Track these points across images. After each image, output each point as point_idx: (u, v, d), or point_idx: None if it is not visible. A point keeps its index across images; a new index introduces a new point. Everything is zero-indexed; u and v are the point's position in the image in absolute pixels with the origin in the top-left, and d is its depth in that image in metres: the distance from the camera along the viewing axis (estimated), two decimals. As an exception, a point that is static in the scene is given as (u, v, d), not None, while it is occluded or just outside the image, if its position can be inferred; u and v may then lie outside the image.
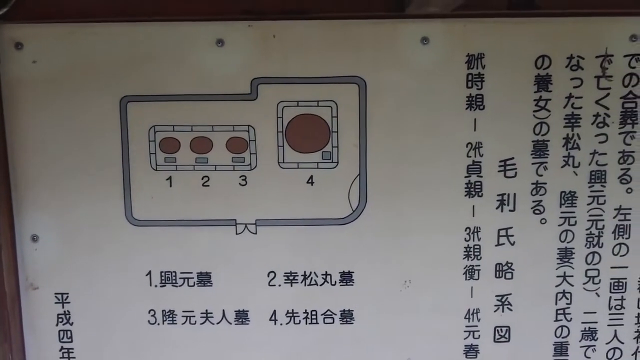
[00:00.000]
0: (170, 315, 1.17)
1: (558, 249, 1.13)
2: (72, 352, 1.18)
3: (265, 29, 1.08)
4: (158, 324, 1.17)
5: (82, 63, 1.09)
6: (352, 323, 1.16)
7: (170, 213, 1.13)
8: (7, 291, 1.14)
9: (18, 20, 1.07)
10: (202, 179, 1.12)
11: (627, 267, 1.14)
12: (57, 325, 1.17)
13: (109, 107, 1.10)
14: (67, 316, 1.17)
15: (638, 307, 1.15)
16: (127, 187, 1.13)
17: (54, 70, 1.10)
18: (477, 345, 1.16)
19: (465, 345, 1.17)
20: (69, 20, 1.08)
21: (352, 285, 1.15)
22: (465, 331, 1.16)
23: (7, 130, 1.11)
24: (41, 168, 1.12)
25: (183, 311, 1.17)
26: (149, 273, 1.15)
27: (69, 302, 1.16)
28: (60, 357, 1.18)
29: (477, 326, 1.16)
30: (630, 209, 1.12)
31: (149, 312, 1.17)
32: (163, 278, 1.15)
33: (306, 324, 1.16)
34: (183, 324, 1.17)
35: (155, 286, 1.16)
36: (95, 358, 1.18)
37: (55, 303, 1.16)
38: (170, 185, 1.13)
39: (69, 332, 1.17)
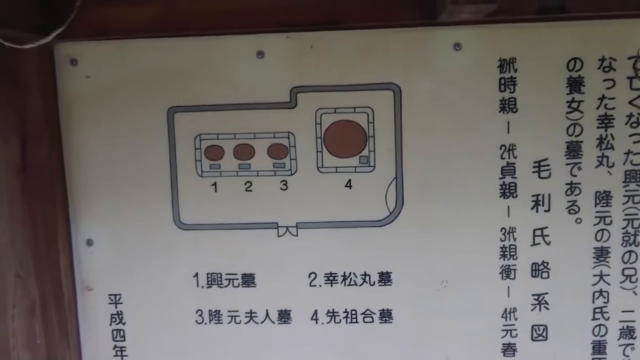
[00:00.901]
0: (217, 315, 1.22)
1: (594, 248, 1.14)
2: (125, 350, 1.24)
3: (302, 40, 1.13)
4: (205, 324, 1.22)
5: (132, 77, 1.16)
6: (390, 322, 1.20)
7: (215, 217, 1.19)
8: (64, 293, 1.21)
9: (73, 39, 1.14)
10: (245, 184, 1.17)
11: (664, 265, 1.14)
12: (110, 324, 1.24)
13: (157, 117, 1.17)
14: (120, 316, 1.23)
15: (676, 306, 1.16)
16: (175, 193, 1.19)
17: (105, 85, 1.17)
18: (515, 344, 1.18)
19: (503, 344, 1.18)
20: (119, 37, 1.15)
21: (390, 285, 1.18)
22: (502, 330, 1.18)
23: (63, 142, 1.18)
24: (95, 177, 1.19)
25: (228, 311, 1.22)
26: (196, 275, 1.21)
27: (121, 303, 1.23)
28: (114, 355, 1.25)
29: (514, 325, 1.18)
30: (666, 208, 1.13)
31: (197, 312, 1.22)
32: (209, 279, 1.21)
33: (346, 323, 1.20)
34: (228, 323, 1.22)
35: (202, 287, 1.21)
36: (145, 356, 1.24)
37: (109, 304, 1.23)
38: (215, 191, 1.18)
39: (121, 332, 1.24)
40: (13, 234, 1.19)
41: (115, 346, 1.24)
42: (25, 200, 1.18)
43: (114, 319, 1.24)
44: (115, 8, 1.12)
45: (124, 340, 1.24)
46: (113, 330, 1.24)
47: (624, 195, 1.13)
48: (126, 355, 1.25)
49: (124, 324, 1.24)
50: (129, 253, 1.21)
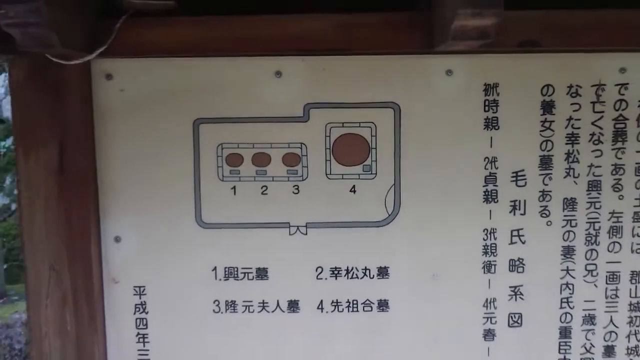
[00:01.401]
0: (232, 305, 1.36)
1: (562, 246, 1.34)
2: (147, 337, 1.37)
3: (316, 63, 1.29)
4: (221, 313, 1.36)
5: (162, 91, 1.31)
6: (387, 311, 1.36)
7: (234, 217, 1.34)
8: (94, 284, 1.34)
9: (108, 56, 1.27)
10: (261, 188, 1.33)
11: (620, 262, 1.34)
12: (134, 314, 1.37)
13: (184, 128, 1.31)
14: (143, 306, 1.36)
15: (630, 297, 1.35)
16: (198, 195, 1.33)
17: (138, 97, 1.31)
18: (494, 330, 1.36)
19: (484, 330, 1.36)
20: (150, 56, 1.29)
21: (387, 278, 1.35)
22: (484, 317, 1.36)
23: (97, 148, 1.31)
24: (125, 180, 1.33)
25: (243, 301, 1.36)
26: (214, 269, 1.35)
27: (145, 294, 1.36)
28: (137, 342, 1.37)
29: (494, 313, 1.36)
30: (622, 212, 1.33)
31: (214, 303, 1.36)
32: (226, 273, 1.35)
33: (348, 312, 1.36)
34: (243, 312, 1.36)
35: (220, 280, 1.35)
36: (167, 342, 1.37)
37: (134, 295, 1.36)
38: (235, 194, 1.33)
39: (144, 320, 1.37)
40: (49, 230, 1.31)
41: (138, 333, 1.37)
42: (60, 199, 1.30)
43: (137, 309, 1.37)
44: (148, 30, 1.26)
45: (146, 328, 1.37)
46: (137, 319, 1.37)
47: (587, 202, 1.32)
48: (148, 342, 1.37)
49: (146, 313, 1.37)
50: (153, 249, 1.35)
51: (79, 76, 1.28)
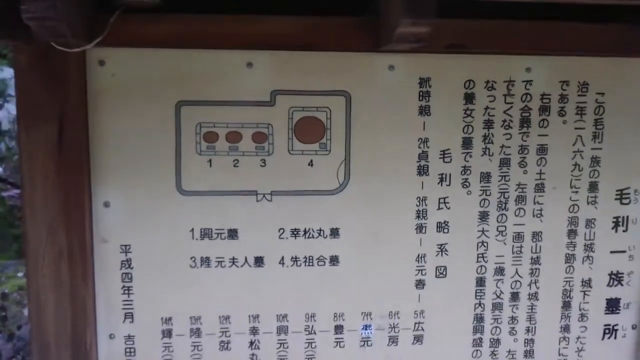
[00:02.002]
0: (207, 261, 1.60)
1: (478, 212, 1.65)
2: (132, 289, 1.59)
3: (282, 57, 1.54)
4: (197, 268, 1.59)
5: (148, 76, 1.52)
6: (337, 265, 1.63)
7: (209, 186, 1.57)
8: (86, 243, 1.54)
9: (102, 45, 1.46)
10: (233, 161, 1.56)
11: (524, 224, 1.66)
12: (120, 269, 1.58)
13: (167, 108, 1.53)
14: (129, 262, 1.58)
15: (531, 252, 1.68)
16: (178, 167, 1.55)
17: (127, 82, 1.51)
18: (424, 280, 1.66)
19: (416, 280, 1.66)
20: (139, 46, 1.50)
21: (338, 238, 1.62)
22: (416, 270, 1.65)
23: (90, 125, 1.51)
24: (114, 153, 1.53)
25: (216, 258, 1.60)
26: (192, 230, 1.58)
27: (130, 252, 1.57)
28: (122, 293, 1.59)
29: (424, 266, 1.65)
30: (526, 184, 1.65)
31: (191, 259, 1.59)
32: (202, 234, 1.58)
33: (305, 266, 1.62)
34: (216, 267, 1.60)
35: (196, 239, 1.58)
36: (148, 294, 1.59)
37: (120, 252, 1.57)
38: (210, 166, 1.56)
39: (129, 274, 1.58)
40: (47, 196, 1.50)
41: (124, 286, 1.58)
42: (58, 169, 1.49)
43: (123, 265, 1.58)
44: (138, 25, 1.47)
45: (131, 282, 1.58)
46: (122, 273, 1.58)
47: (499, 175, 1.64)
48: (132, 293, 1.59)
49: (131, 268, 1.58)
50: (138, 213, 1.56)
51: (75, 62, 1.47)
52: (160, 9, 1.47)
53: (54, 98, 1.48)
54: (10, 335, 3.39)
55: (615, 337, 1.75)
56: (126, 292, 1.59)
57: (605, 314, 1.73)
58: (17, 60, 1.46)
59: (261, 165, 1.58)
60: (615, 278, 1.71)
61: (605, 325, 1.74)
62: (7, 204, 4.25)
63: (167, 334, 1.61)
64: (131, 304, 1.59)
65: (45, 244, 1.52)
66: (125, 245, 1.57)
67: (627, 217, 1.69)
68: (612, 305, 1.73)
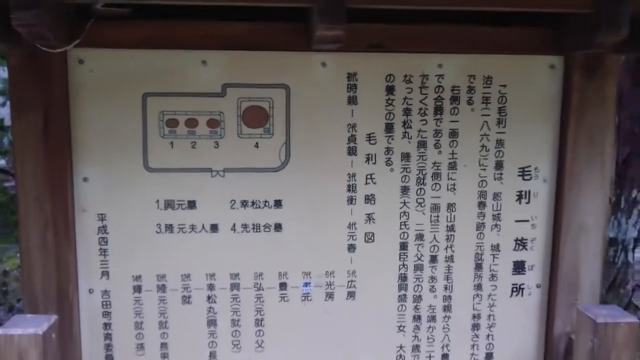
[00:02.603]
0: (170, 228, 1.89)
1: (400, 186, 1.94)
2: (107, 252, 1.89)
3: (232, 56, 1.84)
4: (162, 233, 1.89)
5: (120, 72, 1.82)
6: (281, 232, 1.93)
7: (171, 164, 1.87)
8: (68, 212, 1.84)
9: (81, 46, 1.76)
10: (191, 143, 1.86)
11: (440, 197, 1.96)
12: (97, 234, 1.88)
13: (136, 99, 1.83)
14: (105, 229, 1.88)
15: (447, 221, 1.97)
16: (145, 148, 1.85)
17: (103, 77, 1.81)
18: (355, 245, 1.95)
19: (348, 244, 1.95)
20: (112, 47, 1.80)
21: (281, 208, 1.92)
22: (347, 236, 1.95)
23: (71, 114, 1.81)
24: (92, 136, 1.83)
25: (178, 225, 1.89)
26: (157, 201, 1.88)
27: (106, 220, 1.87)
28: (99, 255, 1.88)
29: (354, 233, 1.95)
30: (441, 163, 1.94)
31: (157, 226, 1.89)
32: (166, 204, 1.88)
33: (253, 232, 1.92)
34: (177, 233, 1.90)
35: (161, 209, 1.88)
36: (121, 254, 1.89)
37: (97, 220, 1.87)
38: (172, 147, 1.86)
39: (105, 239, 1.88)
40: (36, 172, 1.80)
41: (101, 249, 1.88)
42: (45, 152, 1.79)
43: (100, 230, 1.87)
44: (110, 30, 1.77)
45: (106, 245, 1.88)
46: (99, 237, 1.88)
47: (417, 155, 1.93)
48: (108, 255, 1.89)
49: (107, 234, 1.88)
50: (112, 186, 1.86)
51: (58, 61, 1.77)
52: (129, 16, 1.78)
53: (40, 92, 1.78)
54: (11, 307, 3.73)
55: (522, 295, 2.04)
56: (102, 253, 1.89)
57: (513, 274, 2.02)
58: (10, 61, 1.77)
59: (215, 147, 1.87)
60: (520, 243, 2.00)
61: (513, 284, 2.03)
62: (10, 193, 4.57)
63: (138, 289, 1.91)
64: (107, 264, 1.89)
65: (34, 214, 1.82)
66: (102, 214, 1.87)
67: (529, 191, 1.98)
68: (519, 267, 2.02)
